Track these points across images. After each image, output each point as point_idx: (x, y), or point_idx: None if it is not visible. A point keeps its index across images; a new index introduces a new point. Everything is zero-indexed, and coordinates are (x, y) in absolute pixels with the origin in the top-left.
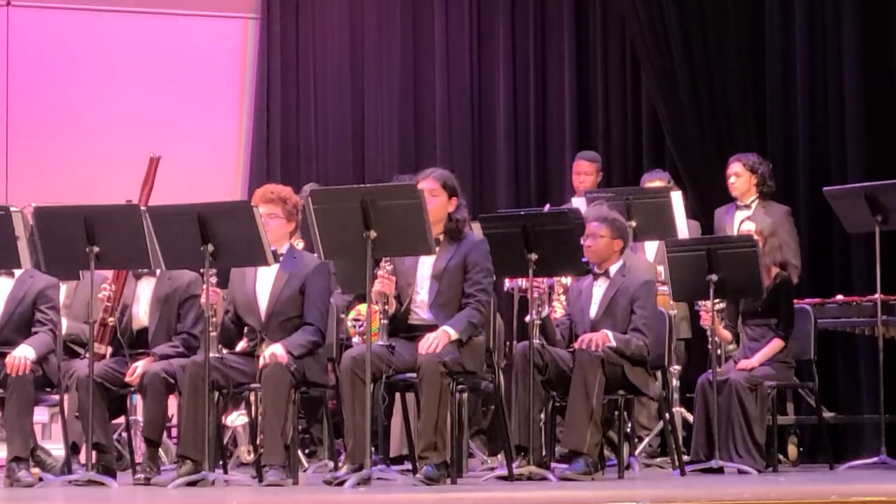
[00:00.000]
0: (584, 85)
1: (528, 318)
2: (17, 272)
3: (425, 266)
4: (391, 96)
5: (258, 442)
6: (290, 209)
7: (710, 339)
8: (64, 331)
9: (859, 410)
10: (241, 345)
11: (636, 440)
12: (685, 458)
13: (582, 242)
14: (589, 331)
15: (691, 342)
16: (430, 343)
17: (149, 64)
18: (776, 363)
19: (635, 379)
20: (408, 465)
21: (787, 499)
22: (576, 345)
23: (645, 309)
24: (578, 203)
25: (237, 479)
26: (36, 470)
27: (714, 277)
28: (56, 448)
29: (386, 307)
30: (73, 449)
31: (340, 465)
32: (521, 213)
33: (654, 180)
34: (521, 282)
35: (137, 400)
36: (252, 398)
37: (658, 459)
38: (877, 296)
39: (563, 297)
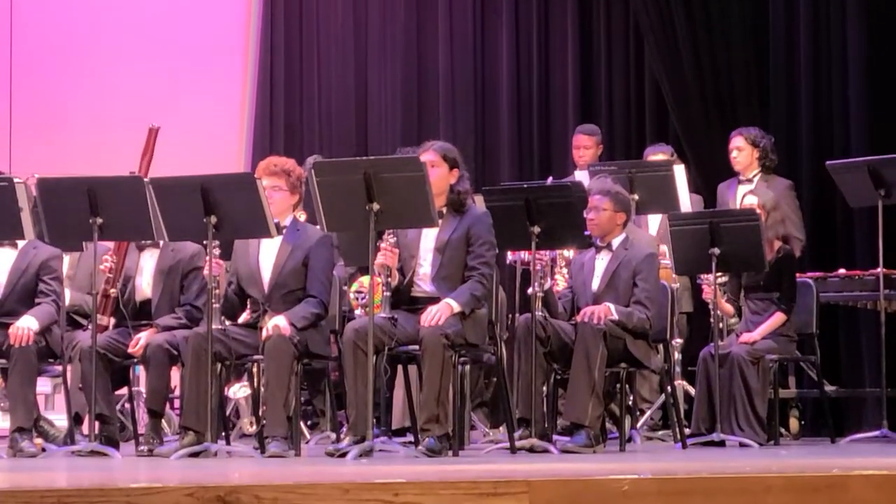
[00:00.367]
0: (587, 59)
1: (530, 291)
2: (21, 243)
3: (428, 238)
4: (394, 69)
5: (260, 413)
6: (293, 181)
7: (712, 312)
8: (67, 302)
9: (861, 384)
10: (244, 316)
11: (638, 413)
12: (686, 431)
13: (585, 215)
14: (591, 304)
15: (693, 315)
16: (433, 315)
17: (153, 35)
18: (778, 337)
19: (637, 352)
20: (410, 438)
21: (788, 472)
22: (578, 317)
23: (647, 282)
24: (581, 176)
25: (239, 451)
26: (39, 440)
27: (716, 251)
28: (59, 419)
29: (389, 279)
30: (76, 419)
31: (342, 436)
32: (524, 185)
33: (657, 154)
34: (524, 254)
35: (140, 371)
36: (255, 370)
37: (659, 432)
38: (879, 269)
39: (565, 270)
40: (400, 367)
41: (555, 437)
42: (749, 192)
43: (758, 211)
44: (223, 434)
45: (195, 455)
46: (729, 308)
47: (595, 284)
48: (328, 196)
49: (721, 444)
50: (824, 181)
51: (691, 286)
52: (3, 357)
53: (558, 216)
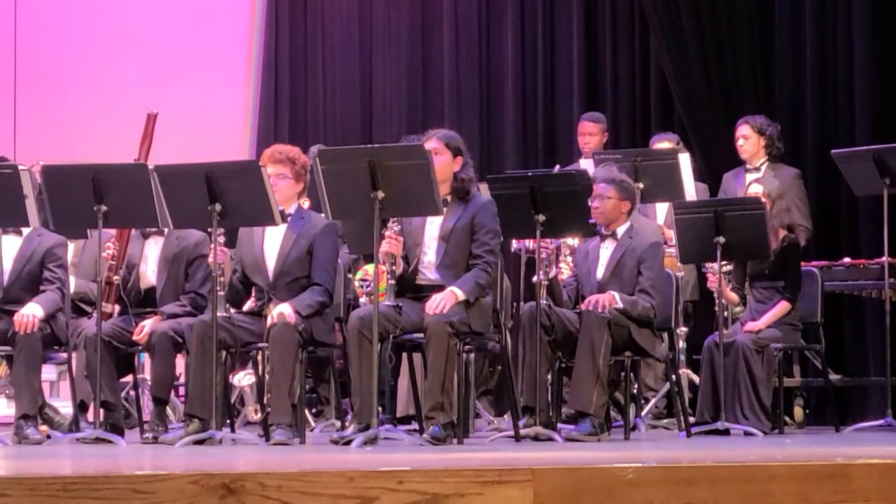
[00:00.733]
0: (592, 46)
1: (535, 279)
2: (26, 231)
3: (433, 226)
4: (399, 56)
5: (265, 401)
6: (298, 169)
7: (716, 301)
8: (72, 289)
9: (866, 373)
10: (249, 304)
11: (642, 401)
12: (691, 419)
13: (590, 204)
14: (596, 292)
15: (698, 304)
16: (438, 303)
17: (159, 23)
18: (783, 325)
19: (642, 340)
20: (414, 425)
21: (792, 460)
22: (582, 306)
23: (652, 270)
24: (586, 164)
25: (244, 438)
26: (44, 427)
27: (721, 239)
28: (64, 406)
29: (393, 267)
30: (80, 407)
31: (347, 424)
32: (529, 174)
33: (663, 142)
34: (529, 243)
35: (145, 358)
36: (259, 357)
37: (664, 421)
38: (884, 258)
39: (570, 259)
40: (405, 355)
41: (559, 425)
42: (755, 180)
43: (763, 200)
44: (228, 421)
45: (200, 442)
46: (734, 297)
47: (600, 273)
48: (333, 184)
49: (725, 432)
50: (829, 170)
51: (696, 275)
52: (9, 344)
53: (563, 204)
